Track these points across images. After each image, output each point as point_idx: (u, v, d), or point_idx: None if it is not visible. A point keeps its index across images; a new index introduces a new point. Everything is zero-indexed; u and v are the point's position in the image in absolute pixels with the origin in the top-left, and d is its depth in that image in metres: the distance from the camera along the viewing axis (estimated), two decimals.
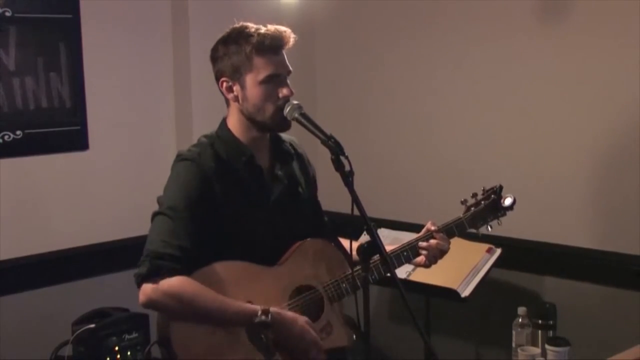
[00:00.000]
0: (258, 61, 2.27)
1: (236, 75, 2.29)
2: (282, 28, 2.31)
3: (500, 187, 2.47)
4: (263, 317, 2.17)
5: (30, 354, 3.12)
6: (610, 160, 3.02)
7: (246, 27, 2.30)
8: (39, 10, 3.17)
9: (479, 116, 3.38)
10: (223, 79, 2.32)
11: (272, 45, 2.28)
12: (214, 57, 2.35)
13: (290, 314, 2.25)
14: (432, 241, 2.41)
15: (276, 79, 2.29)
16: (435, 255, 2.43)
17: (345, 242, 2.36)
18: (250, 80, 2.28)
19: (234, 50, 2.29)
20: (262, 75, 2.27)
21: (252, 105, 2.30)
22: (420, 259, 2.44)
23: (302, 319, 2.26)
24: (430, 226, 2.44)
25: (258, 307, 2.19)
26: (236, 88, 2.30)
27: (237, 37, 2.29)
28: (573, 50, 3.07)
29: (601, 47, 2.99)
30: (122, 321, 3.13)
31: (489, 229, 2.48)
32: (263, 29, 2.30)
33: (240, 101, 2.31)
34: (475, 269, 3.04)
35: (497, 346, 3.31)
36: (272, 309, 2.19)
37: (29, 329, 3.17)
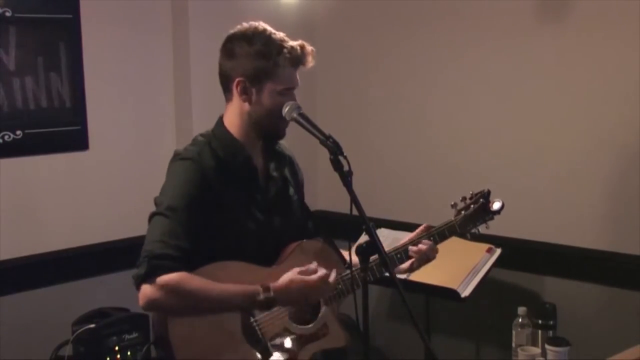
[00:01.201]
0: (284, 73, 2.27)
1: (256, 79, 2.27)
2: (309, 46, 2.32)
3: (488, 192, 2.47)
4: (266, 294, 2.18)
5: (30, 354, 3.12)
6: (611, 160, 3.02)
7: (273, 33, 2.29)
8: (39, 10, 3.17)
9: (479, 116, 3.38)
10: (240, 78, 2.28)
11: (299, 61, 2.30)
12: (233, 52, 2.29)
13: (282, 279, 2.24)
14: (422, 246, 2.40)
15: (290, 92, 2.31)
16: (421, 261, 2.43)
17: (344, 253, 2.37)
18: (269, 88, 2.27)
19: (261, 54, 2.25)
20: (282, 86, 2.27)
21: (264, 110, 2.29)
22: (407, 264, 2.44)
23: (294, 274, 2.25)
24: (423, 230, 2.44)
25: (258, 286, 2.19)
26: (251, 91, 2.28)
27: (266, 41, 2.26)
28: (573, 50, 3.07)
29: (601, 47, 2.99)
30: (122, 321, 3.13)
31: (478, 231, 2.48)
32: (293, 42, 2.29)
33: (252, 104, 2.29)
34: (475, 269, 3.04)
35: (497, 346, 3.30)
36: (270, 284, 2.20)
37: (29, 329, 3.17)
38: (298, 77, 2.33)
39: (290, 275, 2.25)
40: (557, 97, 3.13)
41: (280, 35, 2.30)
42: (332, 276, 2.29)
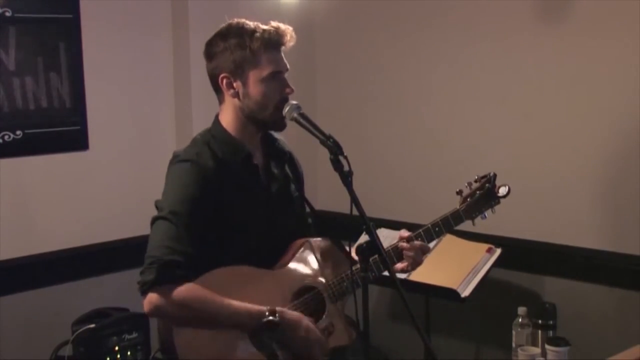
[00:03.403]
0: (263, 58, 2.25)
1: (238, 71, 2.26)
2: (284, 25, 2.30)
3: (494, 175, 2.46)
4: (271, 317, 2.18)
5: (30, 354, 3.12)
6: (611, 159, 3.02)
7: (245, 24, 2.29)
8: (39, 10, 3.17)
9: (479, 116, 3.38)
10: (223, 75, 2.28)
11: (277, 42, 2.27)
12: (211, 52, 2.31)
13: (294, 314, 2.26)
14: (416, 243, 2.36)
15: (279, 76, 2.29)
16: (416, 262, 2.38)
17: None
18: (253, 76, 2.26)
19: (236, 45, 2.25)
20: (266, 72, 2.26)
21: (254, 102, 2.28)
22: (403, 264, 2.40)
23: (305, 319, 2.26)
24: (403, 233, 2.40)
25: (265, 308, 2.19)
26: (237, 84, 2.28)
27: (239, 32, 2.26)
28: (574, 50, 3.07)
29: (603, 46, 2.99)
30: (122, 321, 3.14)
31: (485, 217, 2.47)
32: (266, 26, 2.28)
33: (241, 98, 2.29)
34: (475, 269, 3.04)
35: (497, 346, 3.30)
36: (277, 308, 2.20)
37: (29, 329, 3.17)
38: (285, 60, 2.31)
39: (302, 316, 2.26)
40: (557, 97, 3.13)
41: (254, 23, 2.29)
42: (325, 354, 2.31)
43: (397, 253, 2.38)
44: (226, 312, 2.17)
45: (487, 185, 2.43)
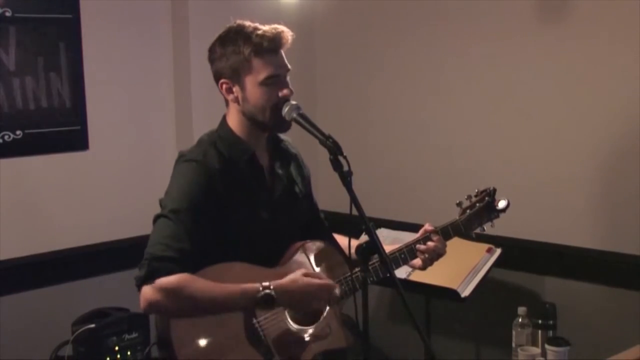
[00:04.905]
0: (257, 63, 2.25)
1: (235, 77, 2.27)
2: (280, 27, 2.29)
3: (494, 190, 2.48)
4: (266, 291, 2.17)
5: (30, 354, 3.12)
6: (611, 160, 3.02)
7: (243, 27, 2.28)
8: (39, 10, 3.18)
9: (479, 116, 3.38)
10: (222, 80, 2.29)
11: (270, 47, 2.26)
12: (212, 58, 2.33)
13: (286, 279, 2.24)
14: (430, 243, 2.41)
15: (276, 79, 2.28)
16: (432, 258, 2.43)
17: (344, 240, 2.36)
18: (249, 81, 2.26)
19: (232, 52, 2.26)
20: (261, 76, 2.25)
21: (252, 106, 2.28)
22: (417, 261, 2.44)
23: (298, 275, 2.25)
24: (428, 227, 2.44)
25: (257, 284, 2.18)
26: (236, 89, 2.29)
27: (234, 38, 2.27)
28: (573, 50, 3.07)
29: (601, 47, 2.99)
30: (122, 321, 3.14)
31: (483, 230, 2.48)
32: (260, 30, 2.27)
33: (241, 102, 2.29)
34: (475, 269, 3.04)
35: (497, 346, 3.30)
36: (271, 282, 2.19)
37: (29, 329, 3.17)
38: (284, 61, 2.29)
39: (293, 275, 2.25)
40: (557, 98, 3.13)
41: (251, 26, 2.28)
42: (337, 290, 2.29)
43: (411, 252, 2.42)
44: (219, 294, 2.16)
45: (486, 198, 2.45)
